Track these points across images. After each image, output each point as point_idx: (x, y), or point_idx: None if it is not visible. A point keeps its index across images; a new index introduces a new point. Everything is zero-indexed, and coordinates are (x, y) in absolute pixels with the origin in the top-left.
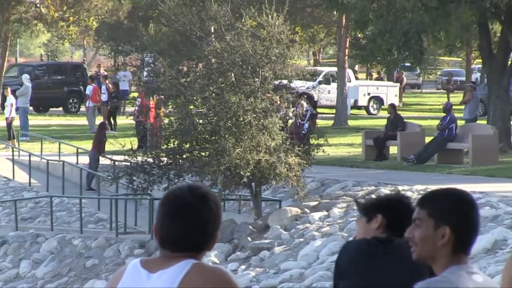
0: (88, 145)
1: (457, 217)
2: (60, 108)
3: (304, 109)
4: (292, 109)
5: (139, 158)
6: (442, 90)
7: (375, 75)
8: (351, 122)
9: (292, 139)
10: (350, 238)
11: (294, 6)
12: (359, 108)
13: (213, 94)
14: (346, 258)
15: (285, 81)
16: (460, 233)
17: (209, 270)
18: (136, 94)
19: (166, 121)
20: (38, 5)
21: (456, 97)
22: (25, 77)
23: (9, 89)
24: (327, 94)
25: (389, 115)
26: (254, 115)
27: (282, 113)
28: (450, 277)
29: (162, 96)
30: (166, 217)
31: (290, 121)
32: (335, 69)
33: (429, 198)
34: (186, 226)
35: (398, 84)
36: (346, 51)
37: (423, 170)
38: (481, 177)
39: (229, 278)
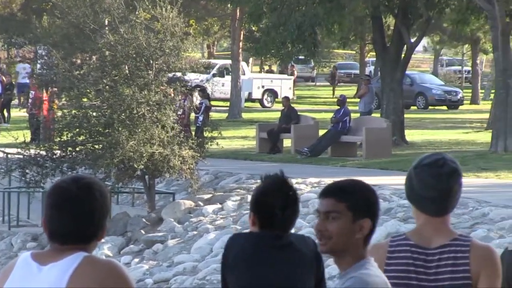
0: None
1: (375, 209)
2: None
3: (198, 102)
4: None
5: (32, 151)
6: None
7: (267, 68)
8: (245, 115)
9: (186, 132)
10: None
11: None
12: (253, 101)
13: (107, 86)
14: (235, 252)
15: (179, 74)
16: (374, 225)
17: (100, 263)
18: None
19: (59, 113)
20: None
21: (350, 90)
22: None
23: None
24: (221, 87)
25: (283, 108)
26: (148, 108)
27: (176, 106)
28: (374, 269)
29: (56, 89)
30: (53, 209)
31: (192, 115)
32: (229, 62)
33: (345, 191)
34: (73, 218)
35: (293, 77)
36: (240, 44)
37: (317, 162)
38: (374, 170)
39: (121, 271)
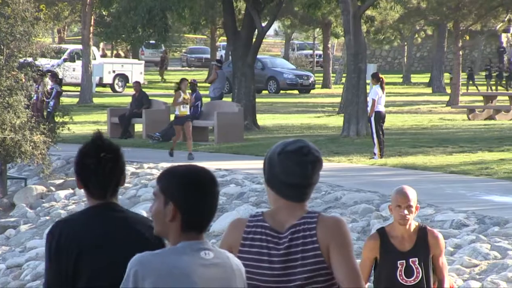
0: None
1: (180, 194)
2: None
3: (49, 87)
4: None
5: None
6: (187, 68)
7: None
8: (96, 100)
9: (38, 117)
10: None
11: None
12: (104, 86)
13: None
14: (91, 233)
15: (30, 59)
16: (186, 210)
17: None
18: None
19: None
20: None
21: (201, 75)
22: None
23: None
24: (72, 72)
25: (134, 93)
26: None
27: (27, 92)
28: (171, 252)
29: None
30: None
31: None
32: (80, 47)
33: (163, 174)
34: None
35: (143, 62)
36: (91, 28)
37: (168, 147)
38: (226, 155)
39: None
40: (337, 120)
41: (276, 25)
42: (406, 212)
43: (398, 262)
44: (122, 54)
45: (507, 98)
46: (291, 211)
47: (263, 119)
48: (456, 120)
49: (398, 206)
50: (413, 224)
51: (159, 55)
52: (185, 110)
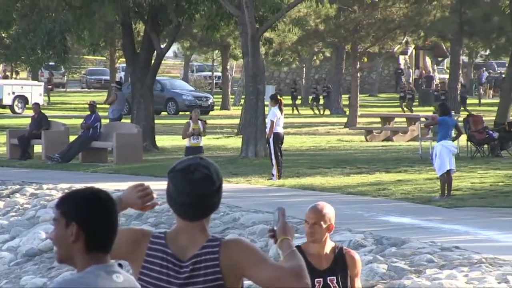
0: None
1: (82, 214)
2: None
3: None
4: None
5: None
6: (87, 89)
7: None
8: None
9: None
10: None
11: None
12: (4, 107)
13: None
14: None
15: None
16: (90, 231)
17: None
18: None
19: None
20: None
21: (101, 96)
22: None
23: None
24: None
25: (33, 114)
26: None
27: None
28: (87, 276)
29: None
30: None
31: None
32: None
33: (62, 198)
34: None
35: (43, 84)
36: None
37: (68, 168)
38: (125, 176)
39: None
40: (236, 141)
41: (175, 47)
42: (312, 229)
43: (316, 280)
44: (12, 76)
45: (404, 119)
46: (192, 235)
47: (162, 140)
48: (354, 141)
49: (306, 222)
50: (329, 243)
51: (59, 77)
52: (196, 142)
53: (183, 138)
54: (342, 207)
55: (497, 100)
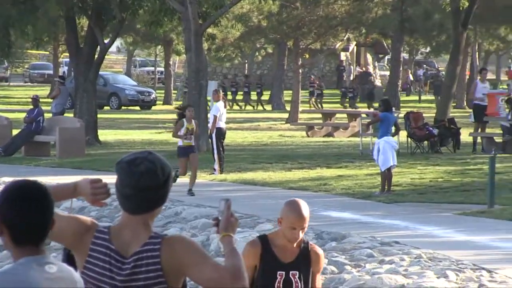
0: None
1: (3, 208)
2: None
3: None
4: None
5: None
6: (30, 83)
7: None
8: None
9: None
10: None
11: None
12: None
13: None
14: None
15: None
16: (11, 225)
17: None
18: None
19: None
20: None
21: (44, 90)
22: None
23: None
24: None
25: None
26: None
27: None
28: (18, 268)
29: None
30: None
31: None
32: None
33: None
34: None
35: None
36: None
37: (10, 162)
38: (68, 169)
39: None
40: None
41: (118, 42)
42: (297, 234)
43: (278, 272)
44: None
45: (345, 115)
46: (135, 230)
47: (104, 135)
48: (296, 137)
49: (293, 228)
50: None
51: (3, 71)
52: (189, 141)
53: (174, 136)
54: (283, 202)
55: (432, 97)
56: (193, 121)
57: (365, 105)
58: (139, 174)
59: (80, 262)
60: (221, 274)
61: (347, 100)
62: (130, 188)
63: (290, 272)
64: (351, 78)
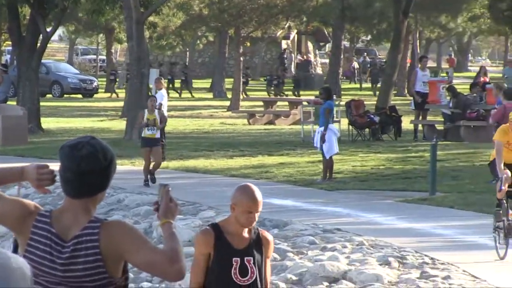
0: None
1: None
2: None
3: None
4: None
5: None
6: None
7: None
8: None
9: None
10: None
11: None
12: None
13: None
14: None
15: None
16: None
17: None
18: None
19: None
20: None
21: None
22: None
23: None
24: None
25: None
26: None
27: None
28: None
29: None
30: None
31: None
32: None
33: None
34: None
35: None
36: None
37: None
38: (11, 157)
39: None
40: (120, 124)
41: (60, 30)
42: (253, 218)
43: (233, 259)
44: None
45: (286, 103)
46: (75, 214)
47: (47, 123)
48: (237, 124)
49: (249, 212)
50: None
51: None
52: (151, 133)
53: (136, 127)
54: (225, 189)
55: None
56: (156, 111)
57: (307, 93)
58: (80, 158)
59: (22, 246)
60: (158, 257)
61: (272, 88)
62: (71, 172)
63: (245, 258)
64: (292, 66)
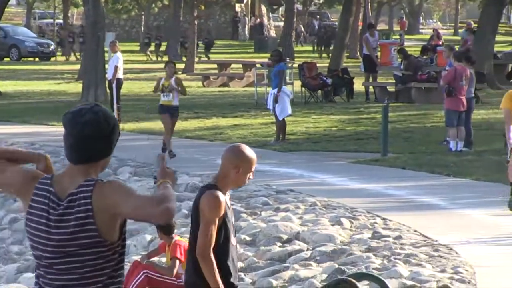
0: None
1: None
2: None
3: None
4: None
5: None
6: None
7: None
8: None
9: None
10: None
11: None
12: None
13: None
14: None
15: None
16: None
17: None
18: None
19: None
20: None
21: None
22: None
23: None
24: None
25: None
26: None
27: None
28: None
29: None
30: None
31: None
32: None
33: None
34: None
35: None
36: None
37: None
38: None
39: None
40: (76, 87)
41: None
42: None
43: (231, 221)
44: None
45: (240, 66)
46: (73, 177)
47: (5, 86)
48: (191, 87)
49: (252, 172)
50: None
51: None
52: (167, 99)
53: (153, 92)
54: (180, 150)
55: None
56: (172, 79)
57: (261, 55)
58: (83, 124)
59: (25, 207)
60: (146, 200)
61: (150, 49)
62: (73, 138)
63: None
64: (246, 29)
